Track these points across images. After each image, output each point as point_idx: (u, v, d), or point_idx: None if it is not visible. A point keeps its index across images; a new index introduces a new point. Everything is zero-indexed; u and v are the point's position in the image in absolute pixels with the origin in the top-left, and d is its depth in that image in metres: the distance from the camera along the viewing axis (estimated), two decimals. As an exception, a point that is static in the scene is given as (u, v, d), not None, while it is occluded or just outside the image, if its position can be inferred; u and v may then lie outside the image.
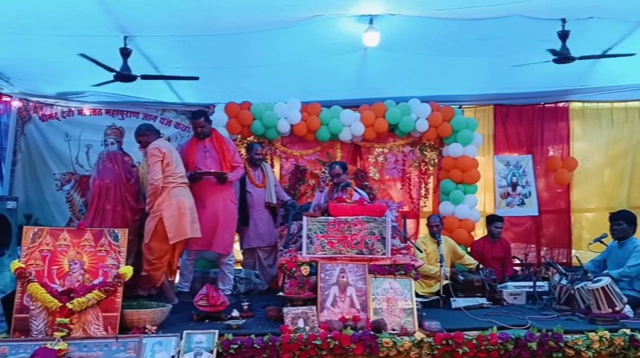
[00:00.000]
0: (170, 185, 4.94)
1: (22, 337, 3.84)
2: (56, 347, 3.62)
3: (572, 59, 5.02)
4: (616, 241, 5.39)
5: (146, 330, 3.96)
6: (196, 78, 5.63)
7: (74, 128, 7.10)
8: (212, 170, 5.37)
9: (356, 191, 5.59)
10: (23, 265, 4.04)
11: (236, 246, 6.19)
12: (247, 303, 4.68)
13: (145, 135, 5.21)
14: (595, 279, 4.64)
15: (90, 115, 7.28)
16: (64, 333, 3.75)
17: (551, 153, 7.49)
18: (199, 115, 5.56)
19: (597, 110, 7.52)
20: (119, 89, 6.29)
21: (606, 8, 4.75)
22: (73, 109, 7.24)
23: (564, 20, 4.90)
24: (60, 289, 4.00)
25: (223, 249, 5.45)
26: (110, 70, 5.20)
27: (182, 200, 4.96)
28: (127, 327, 4.02)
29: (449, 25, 4.99)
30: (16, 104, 7.08)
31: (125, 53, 5.21)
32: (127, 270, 4.16)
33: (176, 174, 5.01)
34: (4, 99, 6.98)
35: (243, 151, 6.86)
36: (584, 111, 7.52)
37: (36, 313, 3.89)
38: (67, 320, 3.82)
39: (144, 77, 5.48)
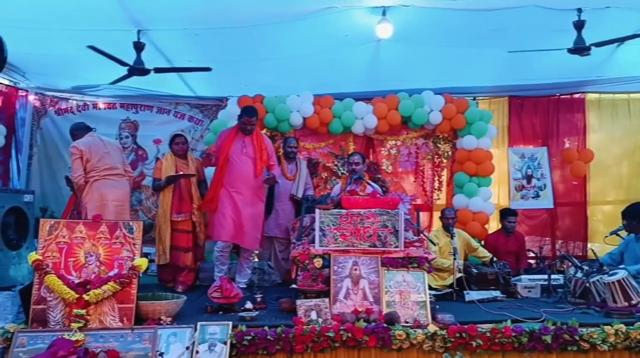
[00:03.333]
0: (92, 179, 5.18)
1: (40, 327, 3.89)
2: (73, 338, 3.67)
3: (588, 49, 4.95)
4: (633, 234, 5.31)
5: (161, 322, 3.99)
6: (208, 69, 5.64)
7: (89, 122, 7.03)
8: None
9: (369, 184, 5.58)
10: (40, 257, 4.09)
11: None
12: (260, 296, 4.71)
13: (74, 135, 5.47)
14: (611, 272, 4.59)
15: (105, 109, 7.36)
16: (80, 324, 3.80)
17: (567, 145, 7.41)
18: (254, 114, 5.62)
19: (613, 101, 7.42)
20: (133, 83, 6.33)
21: (624, -3, 4.68)
22: (88, 102, 7.33)
23: (579, 10, 4.83)
24: (76, 281, 4.04)
25: (251, 245, 5.62)
26: (122, 63, 5.23)
27: (104, 192, 5.18)
28: (142, 318, 4.06)
29: (463, 16, 4.95)
30: (32, 98, 7.18)
31: (138, 47, 5.25)
32: (142, 262, 4.20)
33: (99, 167, 5.20)
34: (20, 93, 7.09)
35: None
36: (600, 102, 7.42)
37: (53, 305, 3.94)
38: (83, 312, 3.87)
39: (157, 70, 5.50)
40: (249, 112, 5.58)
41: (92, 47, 4.99)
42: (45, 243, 4.18)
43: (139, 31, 5.17)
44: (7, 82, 6.80)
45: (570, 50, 5.01)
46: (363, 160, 5.79)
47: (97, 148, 5.29)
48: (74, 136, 5.48)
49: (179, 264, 5.62)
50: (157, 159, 6.42)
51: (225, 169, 5.47)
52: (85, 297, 3.91)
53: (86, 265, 4.18)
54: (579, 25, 4.89)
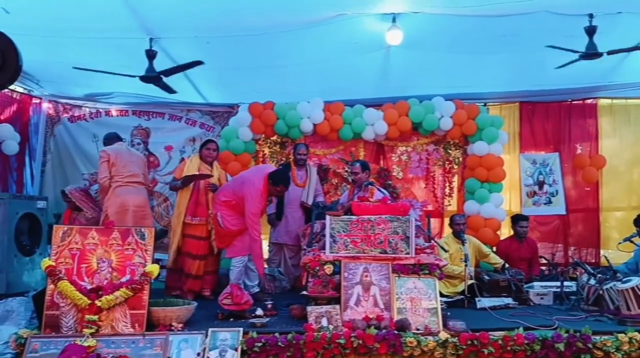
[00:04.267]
0: (115, 184, 5.40)
1: (53, 333, 3.93)
2: (85, 343, 3.70)
3: (600, 55, 4.92)
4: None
5: (172, 328, 4.01)
6: (201, 62, 5.55)
7: (102, 129, 7.20)
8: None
9: (378, 190, 5.56)
10: (53, 263, 4.13)
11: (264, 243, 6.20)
12: (270, 303, 4.72)
13: (104, 143, 5.80)
14: (624, 279, 4.54)
15: (117, 116, 7.43)
16: (92, 330, 3.84)
17: (579, 151, 7.35)
18: (289, 182, 5.59)
19: (626, 106, 7.36)
20: (145, 90, 6.39)
21: (635, 2, 4.64)
22: (101, 110, 7.40)
23: (591, 16, 4.81)
24: (89, 287, 4.08)
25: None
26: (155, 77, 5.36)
27: (126, 198, 5.38)
28: (153, 325, 4.09)
29: (473, 22, 4.95)
30: (46, 105, 7.26)
31: (150, 55, 5.29)
32: (154, 268, 4.23)
33: (122, 173, 5.44)
34: (34, 101, 7.18)
35: (266, 150, 7.05)
36: (613, 107, 7.37)
37: (66, 311, 3.98)
38: (95, 317, 3.90)
39: (162, 72, 5.52)
40: (287, 182, 5.46)
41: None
42: (58, 249, 4.22)
43: (151, 39, 5.22)
44: (21, 90, 6.89)
45: (583, 56, 4.98)
46: (363, 168, 5.77)
47: (123, 155, 5.54)
48: (104, 144, 5.79)
49: (185, 270, 5.53)
50: (182, 159, 6.15)
51: None
52: (98, 303, 3.95)
53: (98, 271, 4.21)
54: (591, 31, 4.87)
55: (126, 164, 5.48)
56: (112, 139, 5.78)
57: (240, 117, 6.90)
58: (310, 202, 6.31)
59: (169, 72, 5.41)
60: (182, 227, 5.58)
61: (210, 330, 3.89)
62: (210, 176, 5.69)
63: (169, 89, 5.76)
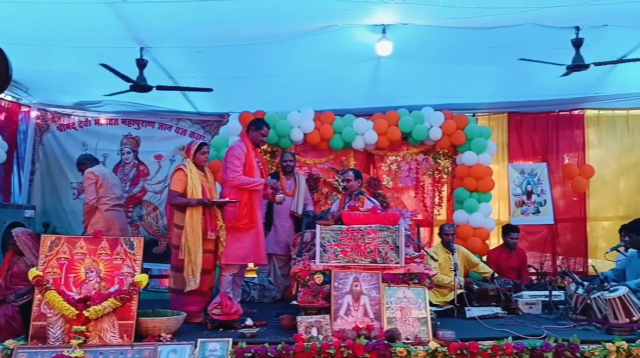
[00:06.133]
0: (103, 207, 5.60)
1: (40, 344, 3.88)
2: (73, 355, 3.66)
3: (586, 67, 5.00)
4: (636, 250, 5.30)
5: (161, 338, 3.98)
6: (210, 89, 5.70)
7: (91, 137, 7.22)
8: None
9: (369, 199, 5.58)
10: (41, 273, 4.09)
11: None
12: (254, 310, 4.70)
13: (83, 164, 5.88)
14: (612, 289, 4.58)
15: (107, 124, 7.40)
16: (80, 341, 3.79)
17: (566, 161, 7.43)
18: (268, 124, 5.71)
19: (612, 117, 7.47)
20: (135, 99, 6.38)
21: (621, 16, 4.73)
22: (90, 118, 7.37)
23: (577, 28, 4.89)
24: (77, 297, 4.04)
25: (265, 259, 5.60)
26: (128, 80, 5.29)
27: (113, 222, 5.61)
28: (142, 335, 4.05)
29: (462, 34, 5.00)
30: (34, 114, 7.22)
31: (141, 64, 5.29)
32: (143, 278, 4.20)
33: (108, 196, 5.65)
34: (23, 109, 7.14)
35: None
36: (600, 118, 7.47)
37: (53, 321, 3.94)
38: (83, 328, 3.86)
39: (159, 87, 5.55)
40: (267, 123, 5.63)
41: (104, 65, 5.09)
42: (46, 259, 4.18)
43: (141, 48, 5.23)
44: (9, 98, 6.85)
45: (569, 68, 5.05)
46: (356, 177, 5.76)
47: (108, 178, 5.74)
48: (82, 164, 5.84)
49: (202, 289, 4.94)
50: (180, 169, 5.08)
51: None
52: (85, 313, 3.91)
53: (86, 281, 4.17)
54: (577, 43, 4.95)
55: (112, 187, 5.71)
56: (90, 160, 5.89)
57: (230, 126, 6.90)
58: (299, 211, 6.30)
59: (166, 88, 5.46)
60: (202, 243, 4.93)
61: (199, 340, 3.86)
62: (236, 202, 5.19)
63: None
